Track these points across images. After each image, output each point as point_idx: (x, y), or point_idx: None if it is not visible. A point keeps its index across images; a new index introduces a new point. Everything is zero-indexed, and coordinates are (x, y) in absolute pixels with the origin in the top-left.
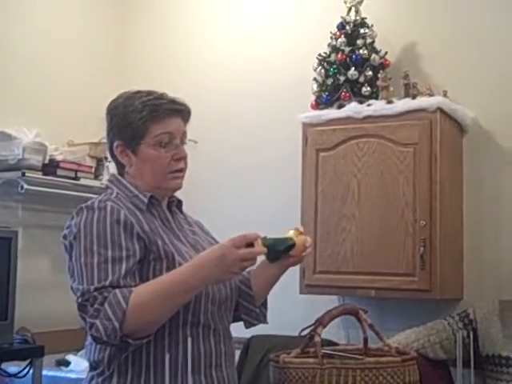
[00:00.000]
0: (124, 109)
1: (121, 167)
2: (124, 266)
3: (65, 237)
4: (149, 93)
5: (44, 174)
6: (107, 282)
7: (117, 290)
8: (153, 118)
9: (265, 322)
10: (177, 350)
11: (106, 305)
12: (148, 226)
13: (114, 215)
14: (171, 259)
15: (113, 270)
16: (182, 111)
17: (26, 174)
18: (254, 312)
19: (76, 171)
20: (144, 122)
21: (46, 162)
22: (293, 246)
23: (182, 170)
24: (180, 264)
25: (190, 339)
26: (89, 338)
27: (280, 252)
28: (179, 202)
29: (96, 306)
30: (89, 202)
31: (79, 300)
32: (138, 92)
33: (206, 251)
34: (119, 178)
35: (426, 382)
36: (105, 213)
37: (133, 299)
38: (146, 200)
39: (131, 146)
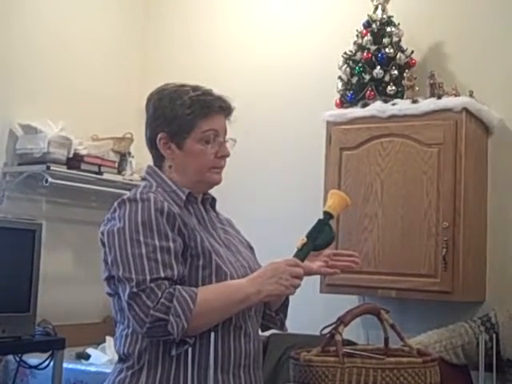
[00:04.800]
0: (170, 101)
1: (160, 160)
2: (173, 257)
3: (105, 230)
4: (195, 88)
5: (68, 168)
6: (162, 274)
7: (181, 288)
8: (202, 114)
9: (281, 328)
10: (206, 349)
11: (174, 302)
12: (187, 222)
13: (157, 206)
14: (208, 257)
15: (163, 261)
16: (228, 109)
17: (51, 168)
18: (270, 316)
19: (100, 166)
20: (194, 118)
21: (71, 156)
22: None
23: (223, 167)
24: (217, 262)
25: (212, 335)
26: (118, 330)
27: (320, 245)
28: (213, 200)
29: (163, 300)
30: (130, 194)
31: (134, 289)
32: (184, 86)
33: (262, 267)
34: (157, 170)
35: None
36: (149, 204)
37: (198, 301)
38: (184, 197)
39: (176, 139)
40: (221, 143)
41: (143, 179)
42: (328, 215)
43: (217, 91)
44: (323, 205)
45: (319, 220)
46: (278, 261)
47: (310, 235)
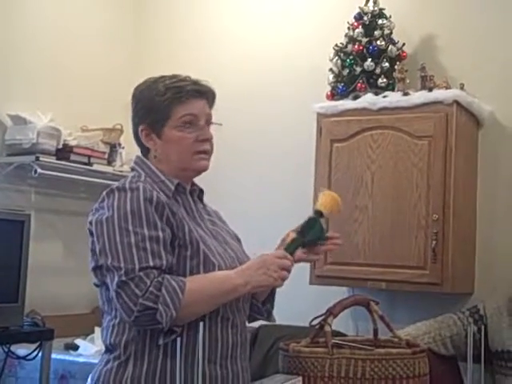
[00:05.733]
0: (148, 93)
1: (146, 152)
2: (162, 246)
3: (93, 219)
4: (173, 76)
5: (57, 159)
6: (151, 263)
7: (169, 277)
8: (176, 99)
9: (268, 319)
10: (193, 339)
11: (163, 291)
12: (176, 211)
13: (146, 195)
14: (196, 247)
15: (152, 250)
16: (205, 93)
17: (40, 159)
18: (257, 306)
19: (89, 157)
20: (168, 105)
21: (60, 146)
22: (326, 239)
23: (208, 152)
24: (205, 252)
25: (201, 325)
26: (106, 321)
27: (310, 242)
28: (201, 192)
29: (152, 289)
30: (119, 184)
31: (122, 278)
32: (163, 76)
33: (251, 259)
34: (145, 160)
35: (435, 376)
36: (137, 193)
37: (187, 290)
38: (172, 187)
39: (156, 129)
40: (202, 127)
41: (132, 169)
42: (319, 213)
43: (198, 77)
44: (313, 197)
45: (310, 217)
46: (267, 253)
47: (299, 231)
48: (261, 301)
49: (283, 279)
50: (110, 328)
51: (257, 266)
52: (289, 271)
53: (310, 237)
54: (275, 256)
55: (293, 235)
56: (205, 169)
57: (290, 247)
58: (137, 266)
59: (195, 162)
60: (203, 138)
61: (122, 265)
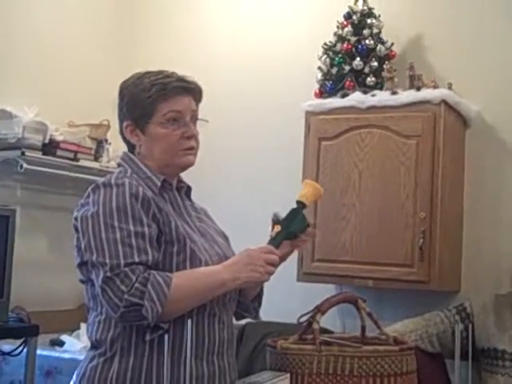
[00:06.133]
0: (134, 88)
1: (131, 147)
2: (148, 242)
3: (79, 215)
4: (159, 72)
5: (44, 154)
6: (136, 259)
7: (155, 273)
8: (161, 96)
9: (255, 317)
10: (180, 335)
11: (149, 286)
12: (162, 207)
13: (132, 191)
14: (183, 243)
15: (138, 246)
16: (191, 89)
17: (26, 154)
18: (244, 304)
19: (76, 152)
20: (152, 101)
21: (46, 141)
22: (307, 226)
23: (193, 148)
24: (191, 248)
25: (189, 321)
26: (91, 317)
27: (293, 233)
28: (188, 189)
29: (137, 285)
30: (104, 179)
31: (108, 274)
32: (149, 72)
33: (236, 255)
34: (132, 156)
35: (422, 374)
36: (123, 188)
37: (173, 286)
38: (158, 183)
39: (140, 125)
40: (186, 123)
41: (118, 165)
42: (301, 204)
43: (187, 73)
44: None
45: (292, 209)
46: (253, 248)
47: (283, 223)
48: (249, 299)
49: (270, 274)
50: (96, 324)
51: (244, 261)
52: (275, 266)
53: (292, 229)
54: (261, 251)
55: (277, 228)
56: (190, 164)
57: (276, 240)
58: (122, 262)
59: (180, 158)
60: (188, 134)
61: (108, 261)
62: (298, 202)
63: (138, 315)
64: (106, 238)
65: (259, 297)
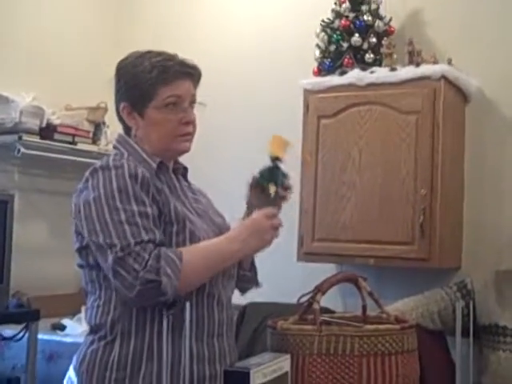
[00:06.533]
0: (133, 69)
1: (127, 129)
2: (152, 222)
3: (79, 200)
4: (159, 53)
5: (41, 138)
6: (145, 237)
7: (165, 249)
8: (162, 80)
9: (258, 285)
10: (180, 317)
11: (162, 262)
12: (161, 188)
13: (132, 172)
14: (182, 224)
15: (143, 225)
16: (192, 74)
17: (23, 138)
18: (246, 276)
19: (73, 136)
20: (152, 84)
21: (44, 125)
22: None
23: (191, 134)
24: (190, 229)
25: (188, 304)
26: (90, 301)
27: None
28: (185, 169)
29: (151, 262)
30: (102, 163)
31: (119, 254)
32: (149, 52)
33: (240, 225)
34: (127, 138)
35: (423, 351)
36: (122, 170)
37: (185, 259)
38: (154, 166)
39: (138, 108)
40: (185, 109)
41: (114, 148)
42: (276, 158)
43: (185, 56)
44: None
45: (272, 166)
46: (257, 216)
47: (276, 181)
48: (247, 269)
49: (275, 238)
50: (95, 308)
51: (250, 231)
52: (279, 228)
53: (280, 182)
54: (266, 216)
55: (274, 188)
56: (186, 150)
57: (273, 198)
58: (132, 241)
59: (177, 144)
60: (186, 120)
61: (116, 241)
62: (275, 158)
63: (157, 291)
64: (111, 220)
65: (253, 265)
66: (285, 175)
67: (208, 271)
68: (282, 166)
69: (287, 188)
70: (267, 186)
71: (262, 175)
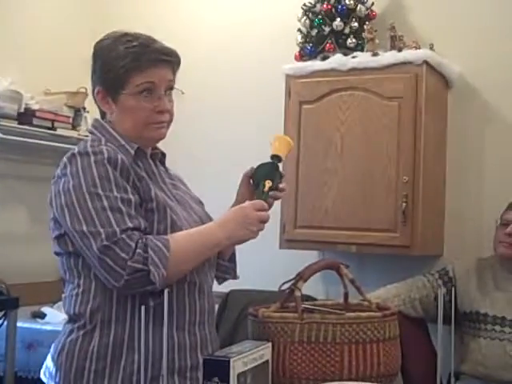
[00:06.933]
0: (108, 53)
1: (102, 114)
2: (134, 209)
3: (58, 188)
4: (135, 37)
5: (19, 124)
6: (130, 224)
7: (151, 237)
8: (135, 67)
9: (235, 277)
10: (162, 307)
11: (150, 251)
12: (140, 176)
13: (111, 158)
14: (163, 212)
15: (127, 212)
16: (169, 60)
17: (1, 123)
18: (224, 266)
19: (53, 121)
20: (125, 71)
21: (22, 110)
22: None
23: (165, 122)
24: (172, 217)
25: (166, 292)
26: (68, 290)
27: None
28: (163, 155)
29: (139, 251)
30: (80, 148)
31: (104, 242)
32: (126, 35)
33: (228, 212)
34: (103, 123)
35: (405, 339)
36: (102, 156)
37: (172, 248)
38: (132, 152)
39: (111, 93)
40: (161, 96)
41: (90, 133)
42: (277, 158)
43: (163, 41)
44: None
45: (271, 163)
46: (246, 205)
47: (272, 180)
48: (227, 259)
49: (261, 231)
50: (74, 297)
51: (238, 219)
52: (266, 222)
53: (276, 182)
54: (255, 208)
55: (269, 186)
56: (161, 137)
57: (266, 195)
58: (117, 229)
59: (150, 132)
60: (161, 109)
61: (101, 229)
62: (274, 156)
63: (145, 281)
64: (94, 207)
65: (234, 256)
66: (281, 176)
67: (195, 259)
68: (281, 167)
69: (281, 190)
70: (263, 182)
71: (260, 171)
